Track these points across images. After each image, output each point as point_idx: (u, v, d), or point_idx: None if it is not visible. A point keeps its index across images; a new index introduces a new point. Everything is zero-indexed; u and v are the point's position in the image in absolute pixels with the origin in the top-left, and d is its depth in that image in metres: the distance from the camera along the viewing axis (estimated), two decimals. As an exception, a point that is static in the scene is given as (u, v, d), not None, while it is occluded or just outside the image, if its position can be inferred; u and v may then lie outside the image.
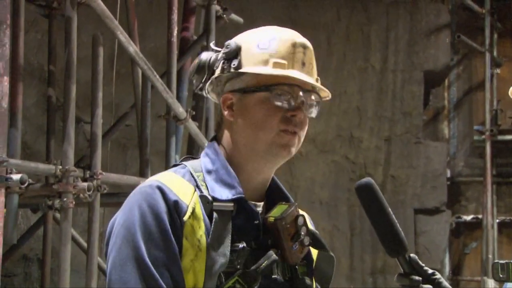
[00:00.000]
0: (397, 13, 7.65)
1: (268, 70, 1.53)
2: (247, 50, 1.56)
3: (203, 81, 1.60)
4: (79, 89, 3.85)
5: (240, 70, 1.56)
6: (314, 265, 1.61)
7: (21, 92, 3.70)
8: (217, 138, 1.62)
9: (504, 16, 7.87)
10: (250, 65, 1.55)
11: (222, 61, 1.57)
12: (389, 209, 1.49)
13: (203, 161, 1.57)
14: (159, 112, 4.65)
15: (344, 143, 7.49)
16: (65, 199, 3.63)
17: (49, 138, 4.66)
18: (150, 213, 1.43)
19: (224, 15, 4.99)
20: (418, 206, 7.52)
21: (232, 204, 1.49)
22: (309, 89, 1.58)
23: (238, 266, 1.44)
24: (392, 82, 7.61)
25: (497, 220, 7.62)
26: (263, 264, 1.45)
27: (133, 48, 4.11)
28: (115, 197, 4.40)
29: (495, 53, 7.86)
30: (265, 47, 1.55)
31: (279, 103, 1.53)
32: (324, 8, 7.48)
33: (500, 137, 7.56)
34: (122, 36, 4.01)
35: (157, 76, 4.26)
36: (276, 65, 1.54)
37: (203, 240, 1.45)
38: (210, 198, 1.49)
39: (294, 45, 1.57)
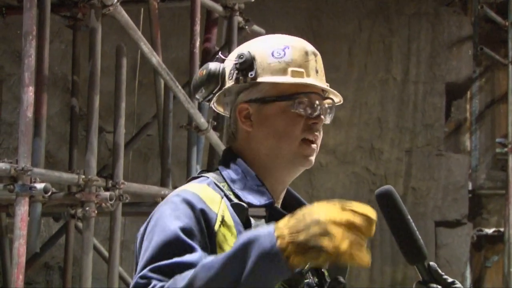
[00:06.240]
0: (419, 25, 7.63)
1: (290, 79, 1.54)
2: (262, 60, 1.56)
3: (214, 92, 1.59)
4: (101, 99, 3.89)
5: (261, 80, 1.55)
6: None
7: (45, 102, 3.74)
8: (232, 150, 1.61)
9: (528, 28, 7.81)
10: (267, 75, 1.55)
11: (235, 72, 1.56)
12: (409, 217, 1.50)
13: (224, 172, 1.57)
14: (181, 122, 4.67)
15: (364, 154, 7.47)
16: (87, 208, 3.67)
17: (72, 148, 4.70)
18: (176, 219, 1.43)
19: (246, 26, 5.01)
20: (439, 219, 7.46)
21: (264, 209, 1.51)
22: (324, 96, 1.60)
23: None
24: (413, 93, 7.58)
25: (519, 234, 7.54)
26: (306, 267, 1.42)
27: (156, 59, 4.14)
28: (136, 206, 4.43)
29: (518, 66, 7.79)
30: (280, 56, 1.56)
31: (301, 112, 1.54)
32: (346, 19, 7.48)
33: (523, 150, 7.49)
34: (146, 47, 4.04)
35: (179, 87, 4.29)
36: (294, 73, 1.55)
37: None
38: (244, 205, 1.50)
39: (307, 53, 1.58)
